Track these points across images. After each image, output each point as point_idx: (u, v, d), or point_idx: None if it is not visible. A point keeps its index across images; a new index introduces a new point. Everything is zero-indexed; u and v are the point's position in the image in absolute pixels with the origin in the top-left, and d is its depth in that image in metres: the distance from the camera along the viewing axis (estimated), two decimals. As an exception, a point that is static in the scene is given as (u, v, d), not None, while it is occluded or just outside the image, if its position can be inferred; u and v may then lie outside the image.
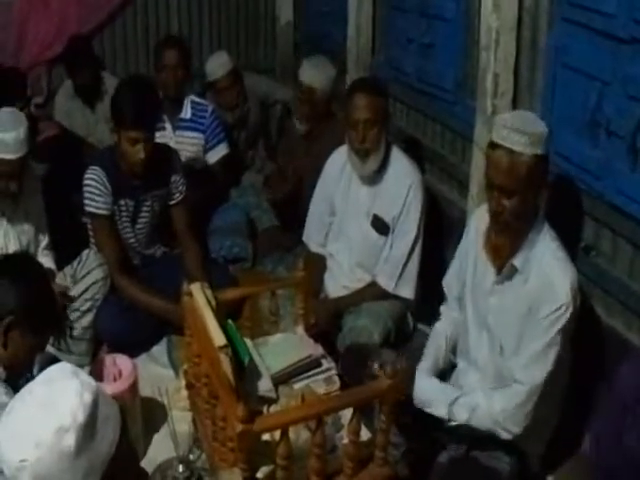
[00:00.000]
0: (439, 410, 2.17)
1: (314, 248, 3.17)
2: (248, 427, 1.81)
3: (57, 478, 1.08)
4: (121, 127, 2.94)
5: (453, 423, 2.17)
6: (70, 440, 1.08)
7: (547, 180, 2.08)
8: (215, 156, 3.90)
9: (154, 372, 2.95)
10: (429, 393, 2.20)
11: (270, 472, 1.97)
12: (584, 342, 2.20)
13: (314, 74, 3.56)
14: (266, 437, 2.02)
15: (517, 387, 2.07)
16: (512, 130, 1.97)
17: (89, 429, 1.10)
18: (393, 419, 2.02)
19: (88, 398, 1.12)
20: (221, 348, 1.99)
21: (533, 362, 2.04)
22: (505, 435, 2.12)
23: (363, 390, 2.04)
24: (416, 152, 3.32)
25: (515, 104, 2.71)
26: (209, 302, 2.24)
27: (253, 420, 1.82)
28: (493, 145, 2.03)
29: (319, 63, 3.61)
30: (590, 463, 1.85)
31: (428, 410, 2.19)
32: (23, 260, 2.25)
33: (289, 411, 2.06)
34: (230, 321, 2.29)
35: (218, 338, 2.03)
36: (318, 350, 2.43)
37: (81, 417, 1.09)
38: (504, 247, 2.14)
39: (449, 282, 2.46)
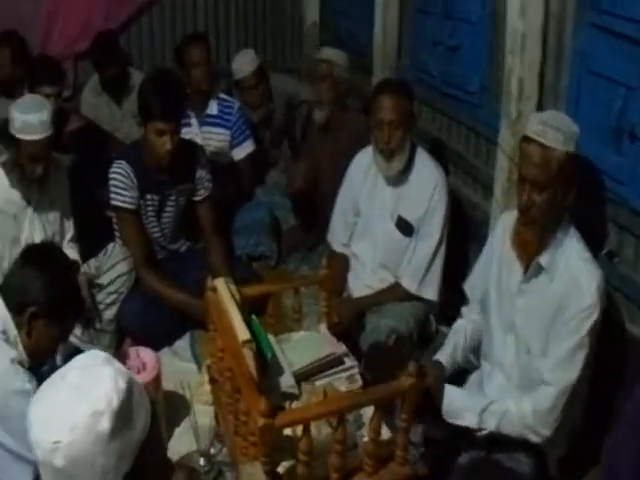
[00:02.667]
0: (469, 420, 2.16)
1: (338, 248, 3.18)
2: (270, 421, 1.82)
3: (90, 461, 1.09)
4: (148, 119, 2.96)
5: (483, 432, 2.17)
6: (105, 424, 1.09)
7: (576, 180, 2.09)
8: (241, 153, 3.93)
9: (177, 366, 2.97)
10: (458, 403, 2.19)
11: (291, 467, 1.99)
12: (606, 348, 2.19)
13: (333, 52, 3.64)
14: (287, 432, 2.04)
15: (547, 389, 2.07)
16: (547, 126, 2.00)
17: (123, 414, 1.11)
18: (414, 418, 2.04)
19: (122, 384, 1.12)
20: (245, 342, 2.01)
21: (562, 364, 2.04)
22: (535, 438, 2.12)
23: (385, 388, 2.04)
24: (441, 154, 3.32)
25: (540, 109, 2.70)
26: (233, 297, 2.26)
27: (275, 415, 1.83)
28: (527, 139, 2.05)
29: (335, 49, 3.69)
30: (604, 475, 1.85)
31: (456, 422, 2.18)
32: (48, 250, 2.28)
33: (311, 407, 2.08)
34: (254, 316, 2.31)
35: (242, 332, 2.05)
36: (341, 348, 2.44)
37: (116, 402, 1.10)
38: (531, 244, 2.15)
39: (472, 285, 2.46)
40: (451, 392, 2.21)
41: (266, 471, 1.90)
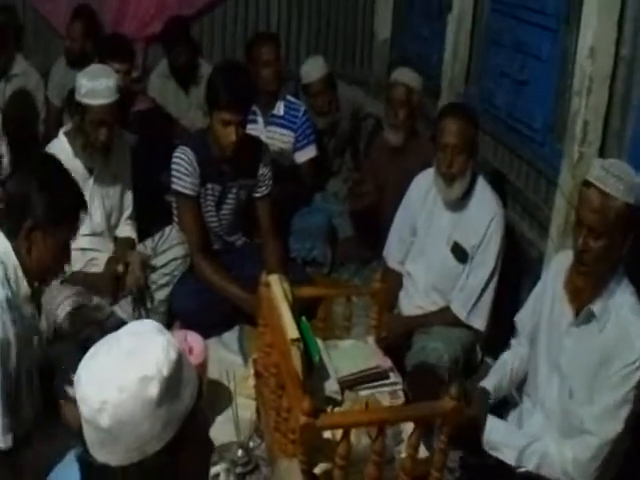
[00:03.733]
0: (508, 455, 2.15)
1: (392, 264, 3.19)
2: (311, 421, 1.84)
3: (136, 424, 1.09)
4: (215, 108, 2.99)
5: (522, 469, 2.15)
6: (153, 390, 1.09)
7: (633, 232, 2.07)
8: (303, 156, 3.96)
9: (224, 357, 2.99)
10: (499, 436, 2.19)
11: (327, 470, 2.01)
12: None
13: (411, 75, 3.63)
14: (327, 435, 2.06)
15: (590, 439, 2.05)
16: (609, 173, 1.99)
17: (171, 383, 1.12)
18: (452, 442, 2.05)
19: (173, 354, 1.13)
20: (293, 341, 2.03)
21: (606, 416, 2.02)
22: None
23: (426, 406, 2.05)
24: (500, 187, 3.31)
25: (602, 154, 2.67)
26: (286, 295, 2.28)
27: (317, 415, 1.85)
28: (587, 184, 2.03)
29: (412, 70, 3.69)
30: None
31: (495, 454, 2.18)
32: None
33: (353, 413, 2.10)
34: (304, 318, 2.34)
35: (291, 330, 2.06)
36: (387, 363, 2.45)
37: (166, 370, 1.11)
38: (584, 290, 2.13)
39: (522, 318, 2.46)
40: (493, 423, 2.21)
41: (303, 469, 1.91)
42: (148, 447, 1.12)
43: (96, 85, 2.92)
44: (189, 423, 1.16)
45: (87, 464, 1.16)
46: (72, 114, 3.11)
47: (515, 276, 3.08)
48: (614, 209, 1.98)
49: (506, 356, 2.48)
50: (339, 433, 1.93)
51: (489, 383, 2.38)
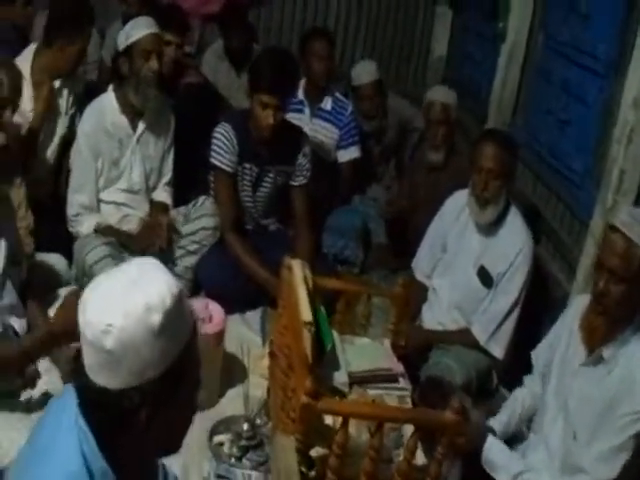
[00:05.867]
0: (502, 478, 2.17)
1: (419, 277, 3.20)
2: (312, 402, 1.87)
3: (137, 350, 1.13)
4: (255, 90, 3.02)
5: None
6: (156, 318, 1.13)
7: None
8: (346, 156, 3.98)
9: (243, 334, 2.99)
10: (497, 457, 2.20)
11: (324, 455, 2.02)
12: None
13: (446, 91, 3.70)
14: (329, 422, 2.08)
15: (583, 478, 2.07)
16: (636, 220, 2.00)
17: (172, 316, 1.16)
18: (451, 455, 2.06)
19: (175, 290, 1.18)
20: (306, 323, 2.04)
21: (603, 458, 2.03)
22: None
23: (428, 414, 2.08)
24: (535, 223, 3.30)
25: (637, 204, 2.67)
26: (306, 280, 2.29)
27: (319, 397, 1.88)
28: (612, 228, 2.04)
29: (446, 87, 3.76)
30: None
31: (492, 474, 2.19)
32: None
33: (354, 404, 2.13)
34: (322, 308, 2.36)
35: (305, 313, 2.08)
36: (399, 367, 2.46)
37: (168, 302, 1.15)
38: (598, 332, 2.14)
39: (538, 354, 2.46)
40: (493, 443, 2.22)
41: (298, 448, 1.93)
42: (146, 373, 1.16)
43: (136, 25, 3.03)
44: (184, 357, 1.21)
45: (85, 388, 1.20)
46: (118, 68, 3.12)
47: (539, 313, 3.06)
48: (637, 257, 1.98)
49: (517, 393, 2.49)
50: (340, 422, 1.94)
51: (497, 421, 2.39)
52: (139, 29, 3.02)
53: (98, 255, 2.84)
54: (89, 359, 1.17)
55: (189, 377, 1.24)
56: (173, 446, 1.33)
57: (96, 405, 1.19)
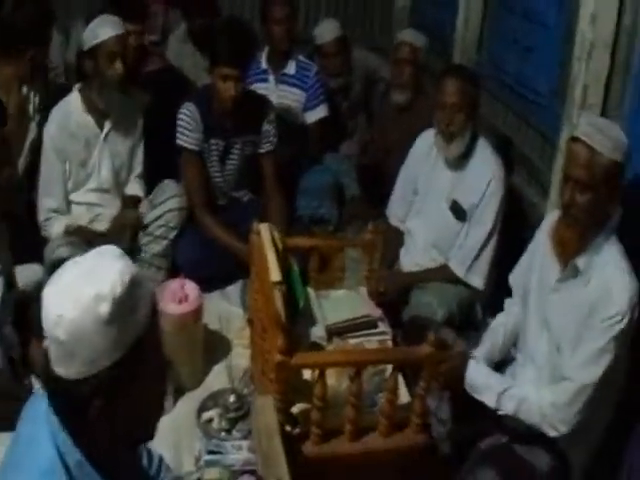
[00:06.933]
0: (488, 398, 2.17)
1: (394, 222, 3.20)
2: (286, 359, 1.89)
3: (88, 339, 1.14)
4: (214, 64, 3.01)
5: (501, 412, 2.17)
6: (105, 308, 1.14)
7: (620, 191, 2.06)
8: (313, 116, 3.93)
9: (224, 308, 3.03)
10: (480, 380, 2.20)
11: (305, 410, 2.03)
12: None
13: (415, 35, 3.66)
14: (308, 377, 2.09)
15: (566, 384, 2.06)
16: (596, 129, 1.99)
17: (123, 305, 1.16)
18: (436, 390, 2.06)
19: (127, 278, 1.18)
20: (275, 284, 2.05)
21: (585, 362, 2.02)
22: (551, 432, 2.09)
23: (404, 351, 2.11)
24: (508, 152, 3.31)
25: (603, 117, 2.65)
26: (275, 242, 2.30)
27: (292, 354, 1.89)
28: (574, 139, 2.04)
29: (416, 30, 3.74)
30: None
31: (477, 397, 2.19)
32: None
33: (329, 354, 2.14)
34: (295, 267, 2.35)
35: (274, 274, 2.08)
36: (377, 313, 2.46)
37: (118, 291, 1.16)
38: (570, 244, 2.14)
39: (516, 277, 2.46)
40: (475, 367, 2.22)
41: (278, 408, 1.94)
42: (100, 362, 1.17)
43: (101, 24, 2.98)
44: (142, 344, 1.20)
45: (51, 379, 1.21)
46: (83, 67, 3.10)
47: (519, 240, 3.05)
48: (601, 166, 1.98)
49: (499, 319, 2.49)
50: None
51: (480, 349, 2.38)
52: (105, 29, 2.98)
53: (61, 256, 2.83)
54: (51, 352, 1.19)
55: (149, 363, 1.24)
56: (145, 433, 1.34)
57: (60, 397, 1.21)
